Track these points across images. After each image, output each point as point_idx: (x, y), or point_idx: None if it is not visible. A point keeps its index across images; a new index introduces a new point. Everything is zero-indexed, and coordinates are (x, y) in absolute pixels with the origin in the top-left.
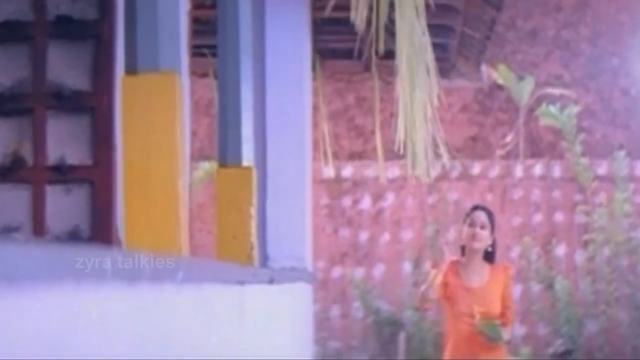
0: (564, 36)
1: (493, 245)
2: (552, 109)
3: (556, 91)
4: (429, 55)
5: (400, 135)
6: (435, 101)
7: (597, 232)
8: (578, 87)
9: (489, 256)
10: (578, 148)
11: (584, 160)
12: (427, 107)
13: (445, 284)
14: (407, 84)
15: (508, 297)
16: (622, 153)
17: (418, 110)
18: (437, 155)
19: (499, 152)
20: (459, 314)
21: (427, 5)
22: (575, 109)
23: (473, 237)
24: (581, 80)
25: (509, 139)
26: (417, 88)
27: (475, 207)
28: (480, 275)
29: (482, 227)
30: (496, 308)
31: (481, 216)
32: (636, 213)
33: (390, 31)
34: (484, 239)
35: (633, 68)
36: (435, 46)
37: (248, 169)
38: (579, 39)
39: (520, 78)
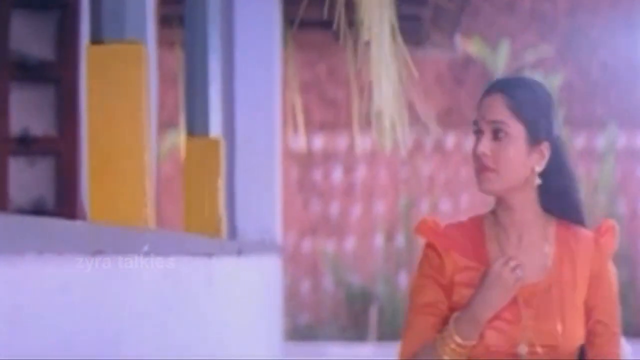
0: (541, 8)
1: (561, 176)
2: (536, 77)
3: (532, 57)
4: (398, 25)
5: (369, 106)
6: (406, 72)
7: None
8: (556, 60)
9: (556, 203)
10: (559, 119)
11: (566, 132)
12: (395, 77)
13: (444, 290)
14: (374, 55)
15: (605, 302)
16: (613, 125)
17: (386, 82)
18: (410, 127)
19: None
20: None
21: None
22: (557, 78)
23: (476, 162)
24: (559, 53)
25: None
26: (385, 58)
27: (489, 88)
28: (534, 253)
29: (496, 137)
30: (574, 331)
31: (495, 107)
32: (616, 186)
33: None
34: (503, 165)
35: (612, 40)
36: (408, 17)
37: (216, 140)
38: (557, 11)
39: (494, 47)
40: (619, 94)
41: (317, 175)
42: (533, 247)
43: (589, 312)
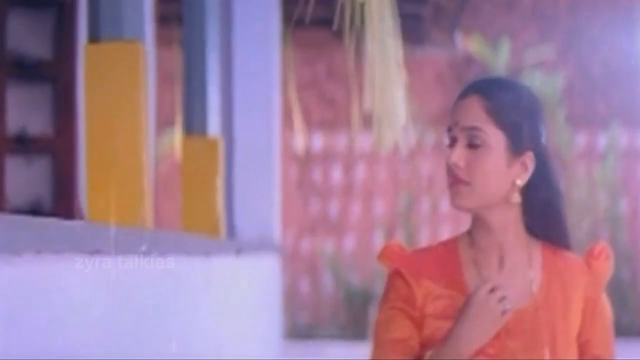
0: (541, 6)
1: (546, 192)
2: (538, 76)
3: (532, 55)
4: (398, 24)
5: (368, 105)
6: (406, 71)
7: (576, 204)
8: (557, 59)
9: (540, 223)
10: (561, 118)
11: (567, 131)
12: (395, 77)
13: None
14: (374, 54)
15: (602, 334)
16: (615, 124)
17: (385, 81)
18: (409, 127)
19: None
20: None
21: None
22: (559, 77)
23: (449, 173)
24: (560, 51)
25: None
26: (385, 58)
27: (465, 90)
28: (517, 278)
29: (472, 145)
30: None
31: (470, 111)
32: (618, 185)
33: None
34: (478, 178)
35: (614, 39)
36: (408, 16)
37: (215, 140)
38: (558, 9)
39: (495, 46)
40: (620, 92)
41: (316, 174)
42: (516, 272)
43: (583, 345)
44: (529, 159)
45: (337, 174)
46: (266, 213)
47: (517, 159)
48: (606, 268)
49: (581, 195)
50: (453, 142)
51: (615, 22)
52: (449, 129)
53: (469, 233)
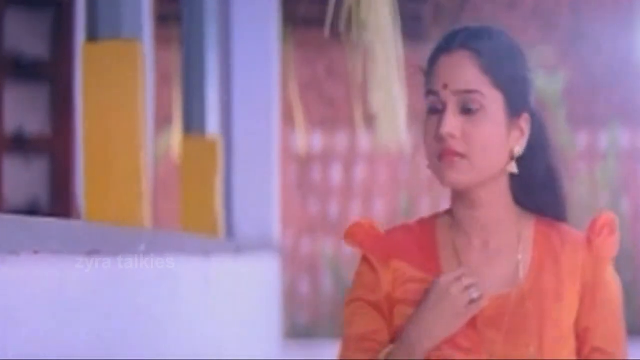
0: (542, 5)
1: (542, 160)
2: (539, 75)
3: (534, 57)
4: (398, 24)
5: (371, 105)
6: (405, 71)
7: (578, 203)
8: (558, 58)
9: (535, 196)
10: (562, 118)
11: (568, 131)
12: (395, 76)
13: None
14: (375, 54)
15: (604, 322)
16: (616, 124)
17: (386, 80)
18: (409, 126)
19: None
20: None
21: None
22: (559, 77)
23: (435, 146)
24: (561, 51)
25: None
26: (386, 57)
27: (447, 44)
28: (503, 261)
29: (466, 111)
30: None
31: (463, 70)
32: (619, 186)
33: None
34: (478, 149)
35: (615, 38)
36: (409, 15)
37: (214, 140)
38: (559, 9)
39: None
40: (622, 92)
41: (316, 173)
42: (502, 254)
43: (582, 335)
44: (526, 122)
45: (337, 174)
46: (265, 213)
47: (515, 123)
48: (610, 245)
49: (582, 195)
50: (440, 107)
51: (617, 22)
52: (432, 92)
53: (450, 211)
